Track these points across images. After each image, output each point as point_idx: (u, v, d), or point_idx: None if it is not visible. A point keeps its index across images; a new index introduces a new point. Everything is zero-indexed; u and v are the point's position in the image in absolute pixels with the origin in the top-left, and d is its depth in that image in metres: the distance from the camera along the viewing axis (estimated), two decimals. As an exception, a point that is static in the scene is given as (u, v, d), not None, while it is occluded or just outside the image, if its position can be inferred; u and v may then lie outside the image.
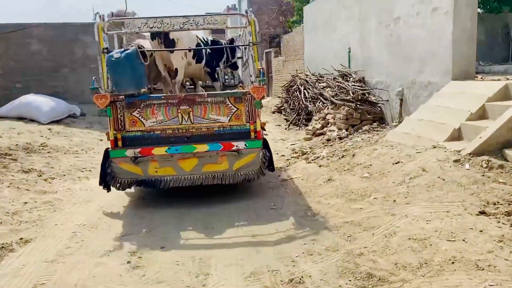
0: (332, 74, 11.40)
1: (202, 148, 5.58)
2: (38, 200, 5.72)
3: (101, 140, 9.90)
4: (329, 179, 6.00)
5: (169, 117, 5.64)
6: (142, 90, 5.51)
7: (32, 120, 10.54)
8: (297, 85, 12.17)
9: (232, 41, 7.69)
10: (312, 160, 7.26)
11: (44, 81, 12.08)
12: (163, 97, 5.67)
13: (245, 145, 5.63)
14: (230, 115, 5.69)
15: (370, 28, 9.86)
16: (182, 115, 5.64)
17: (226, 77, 8.48)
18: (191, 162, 5.60)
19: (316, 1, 13.21)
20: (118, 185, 5.58)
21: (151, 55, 6.33)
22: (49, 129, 9.99)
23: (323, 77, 11.42)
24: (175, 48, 6.27)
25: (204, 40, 7.19)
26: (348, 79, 10.50)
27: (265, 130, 6.43)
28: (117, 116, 5.56)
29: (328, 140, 8.93)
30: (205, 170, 5.61)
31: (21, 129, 9.54)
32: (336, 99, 9.95)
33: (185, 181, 5.57)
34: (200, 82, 7.76)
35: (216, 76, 7.45)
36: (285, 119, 12.38)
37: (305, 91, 11.54)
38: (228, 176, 5.62)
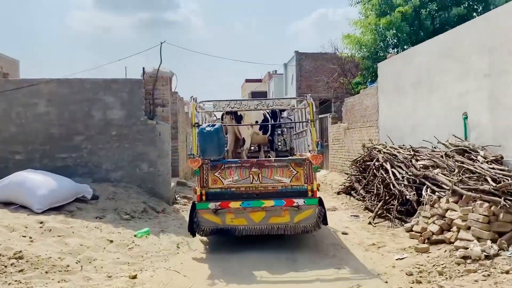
0: (436, 148, 8.65)
1: (269, 203, 6.84)
2: None
3: (112, 242, 6.63)
4: None
5: (242, 177, 6.97)
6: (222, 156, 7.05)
7: (24, 207, 7.47)
8: (377, 161, 9.57)
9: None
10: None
11: (51, 151, 9.29)
12: (239, 161, 7.13)
13: (304, 202, 6.81)
14: (291, 177, 6.94)
15: (510, 84, 6.68)
16: (253, 176, 6.97)
17: (279, 144, 9.85)
18: (260, 215, 6.86)
19: (401, 55, 10.39)
20: (201, 232, 6.87)
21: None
22: (41, 223, 6.89)
23: (419, 152, 8.74)
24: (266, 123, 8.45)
25: (269, 114, 8.98)
26: (474, 157, 7.10)
27: (319, 190, 7.14)
28: (203, 176, 6.94)
29: (466, 258, 5.48)
30: (271, 222, 6.84)
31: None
32: (463, 188, 6.51)
33: (255, 230, 6.83)
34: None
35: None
36: (367, 208, 9.50)
37: (393, 170, 8.73)
38: (289, 227, 6.81)
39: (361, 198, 10.12)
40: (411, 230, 7.13)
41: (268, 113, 8.98)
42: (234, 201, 6.85)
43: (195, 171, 6.94)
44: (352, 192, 10.92)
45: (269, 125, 8.94)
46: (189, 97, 7.87)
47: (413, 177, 8.04)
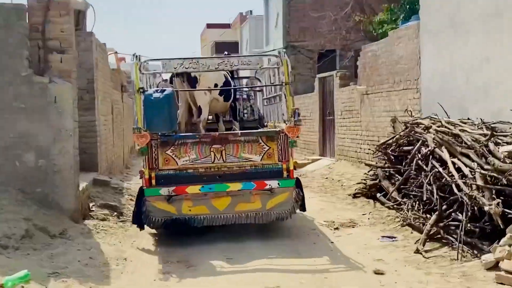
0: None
1: (235, 186, 7.83)
2: None
3: None
4: None
5: (201, 156, 7.88)
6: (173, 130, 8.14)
7: None
8: (424, 145, 9.11)
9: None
10: None
11: None
12: (197, 136, 8.16)
13: (278, 184, 7.88)
14: (262, 154, 7.97)
15: None
16: (214, 153, 7.89)
17: (245, 111, 10.62)
18: (224, 201, 7.84)
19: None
20: (152, 224, 7.92)
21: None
22: None
23: (500, 131, 8.18)
24: (218, 88, 9.20)
25: (230, 75, 9.90)
26: None
27: (296, 169, 8.56)
28: (152, 155, 7.81)
29: None
30: (238, 209, 7.87)
31: None
32: None
33: (219, 220, 7.86)
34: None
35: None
36: (409, 224, 8.63)
37: (455, 160, 8.10)
38: (261, 215, 7.91)
39: (395, 206, 9.44)
40: (496, 266, 6.31)
41: (229, 74, 9.67)
42: (192, 185, 7.77)
43: (142, 148, 7.82)
44: (378, 194, 10.37)
45: (232, 90, 9.70)
46: (132, 55, 8.57)
47: (494, 174, 7.18)
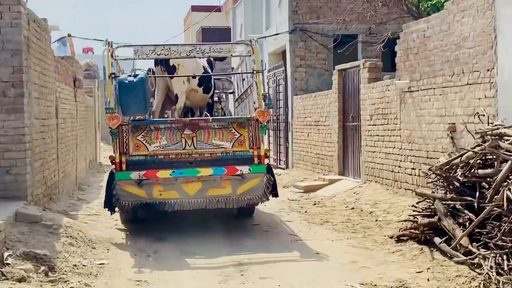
0: None
1: (206, 172, 9.23)
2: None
3: None
4: None
5: (172, 142, 9.28)
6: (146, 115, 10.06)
7: None
8: None
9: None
10: None
11: None
12: (168, 121, 9.72)
13: (249, 169, 9.32)
14: (233, 141, 9.42)
15: None
16: (185, 140, 9.31)
17: (216, 114, 12.32)
18: (195, 186, 9.20)
19: None
20: (122, 208, 9.33)
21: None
22: None
23: None
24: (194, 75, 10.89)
25: (211, 67, 11.80)
26: None
27: (268, 157, 10.21)
28: (123, 140, 9.19)
29: None
30: (209, 194, 9.27)
31: None
32: None
33: (189, 204, 9.26)
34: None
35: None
36: (488, 285, 7.37)
37: None
38: (231, 200, 9.35)
39: (468, 261, 7.68)
40: None
41: (208, 65, 11.35)
42: (162, 169, 9.14)
43: (113, 131, 9.11)
44: (436, 239, 8.80)
45: (212, 82, 11.32)
46: (104, 41, 9.82)
47: None
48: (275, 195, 9.84)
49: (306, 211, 12.21)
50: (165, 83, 10.79)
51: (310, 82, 19.23)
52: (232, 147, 9.30)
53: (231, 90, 12.66)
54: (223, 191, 9.17)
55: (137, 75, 9.32)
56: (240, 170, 9.18)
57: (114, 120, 8.87)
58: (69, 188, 13.47)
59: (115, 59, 9.65)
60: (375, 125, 13.64)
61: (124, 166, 9.08)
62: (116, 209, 9.39)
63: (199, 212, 10.29)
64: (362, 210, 11.72)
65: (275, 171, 12.82)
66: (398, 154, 12.53)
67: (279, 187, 11.49)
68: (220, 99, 12.62)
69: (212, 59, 11.67)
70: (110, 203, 9.21)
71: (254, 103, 9.93)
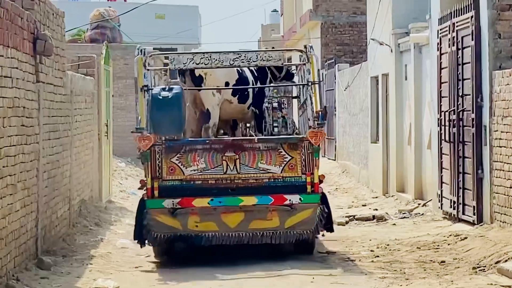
0: None
1: (249, 201, 8.57)
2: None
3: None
4: None
5: (212, 165, 8.63)
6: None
7: None
8: None
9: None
10: None
11: None
12: (207, 141, 8.95)
13: (300, 199, 8.60)
14: (283, 165, 8.64)
15: None
16: (227, 163, 8.63)
17: (276, 124, 10.80)
18: (236, 217, 8.54)
19: None
20: (153, 240, 8.62)
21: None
22: None
23: None
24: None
25: (254, 73, 10.27)
26: None
27: (322, 182, 9.17)
28: (155, 162, 8.59)
29: None
30: (253, 227, 8.57)
31: None
32: None
33: (229, 238, 8.58)
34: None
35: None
36: None
37: None
38: (279, 234, 8.60)
39: None
40: None
41: (253, 70, 10.11)
42: (200, 197, 8.61)
43: (144, 153, 8.55)
44: None
45: (255, 91, 10.18)
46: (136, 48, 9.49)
47: None
48: (330, 229, 9.05)
49: None
50: (192, 96, 9.71)
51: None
52: (281, 172, 8.64)
53: (295, 94, 11.36)
54: (269, 223, 8.57)
55: (172, 88, 8.69)
56: (290, 200, 8.54)
57: (146, 141, 8.38)
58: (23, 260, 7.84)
59: (147, 69, 9.01)
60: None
61: (156, 193, 8.55)
62: (147, 242, 8.77)
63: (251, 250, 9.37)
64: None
65: (453, 225, 11.05)
66: None
67: (464, 265, 8.30)
68: (280, 105, 11.03)
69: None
70: (140, 235, 8.66)
71: (309, 120, 9.19)
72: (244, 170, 8.51)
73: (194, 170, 8.48)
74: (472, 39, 10.70)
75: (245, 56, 9.03)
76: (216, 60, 8.90)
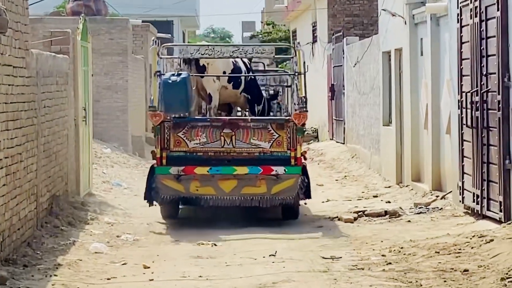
0: None
1: (242, 170, 10.47)
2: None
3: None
4: None
5: (212, 140, 10.55)
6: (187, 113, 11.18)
7: None
8: None
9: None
10: None
11: None
12: (208, 120, 11.01)
13: (285, 170, 10.44)
14: (272, 141, 10.56)
15: None
16: (224, 138, 10.54)
17: (272, 108, 13.52)
18: (230, 183, 10.45)
19: None
20: (160, 200, 10.65)
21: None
22: None
23: None
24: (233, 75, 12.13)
25: (247, 65, 12.82)
26: None
27: (306, 159, 11.67)
28: (164, 136, 10.58)
29: None
30: (244, 192, 10.48)
31: None
32: None
33: (224, 201, 10.53)
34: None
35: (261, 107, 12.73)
36: None
37: None
38: (266, 199, 10.51)
39: None
40: None
41: (247, 62, 12.68)
42: (200, 166, 10.54)
43: (155, 128, 10.60)
44: None
45: (242, 77, 12.30)
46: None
47: None
48: (308, 196, 11.00)
49: None
50: (196, 83, 11.62)
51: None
52: (270, 147, 10.57)
53: (289, 83, 13.20)
54: (258, 189, 10.45)
55: (180, 74, 10.68)
56: (276, 170, 10.39)
57: (157, 117, 10.43)
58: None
59: (160, 57, 11.20)
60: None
61: (164, 161, 10.48)
62: (154, 202, 10.76)
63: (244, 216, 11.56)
64: None
65: (476, 222, 10.67)
66: None
67: (490, 275, 7.50)
68: (277, 93, 13.75)
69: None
70: (149, 196, 10.64)
71: (294, 104, 11.49)
72: (239, 145, 10.58)
73: (197, 143, 10.56)
74: (498, 9, 9.89)
75: (242, 49, 11.68)
76: (218, 51, 11.30)
